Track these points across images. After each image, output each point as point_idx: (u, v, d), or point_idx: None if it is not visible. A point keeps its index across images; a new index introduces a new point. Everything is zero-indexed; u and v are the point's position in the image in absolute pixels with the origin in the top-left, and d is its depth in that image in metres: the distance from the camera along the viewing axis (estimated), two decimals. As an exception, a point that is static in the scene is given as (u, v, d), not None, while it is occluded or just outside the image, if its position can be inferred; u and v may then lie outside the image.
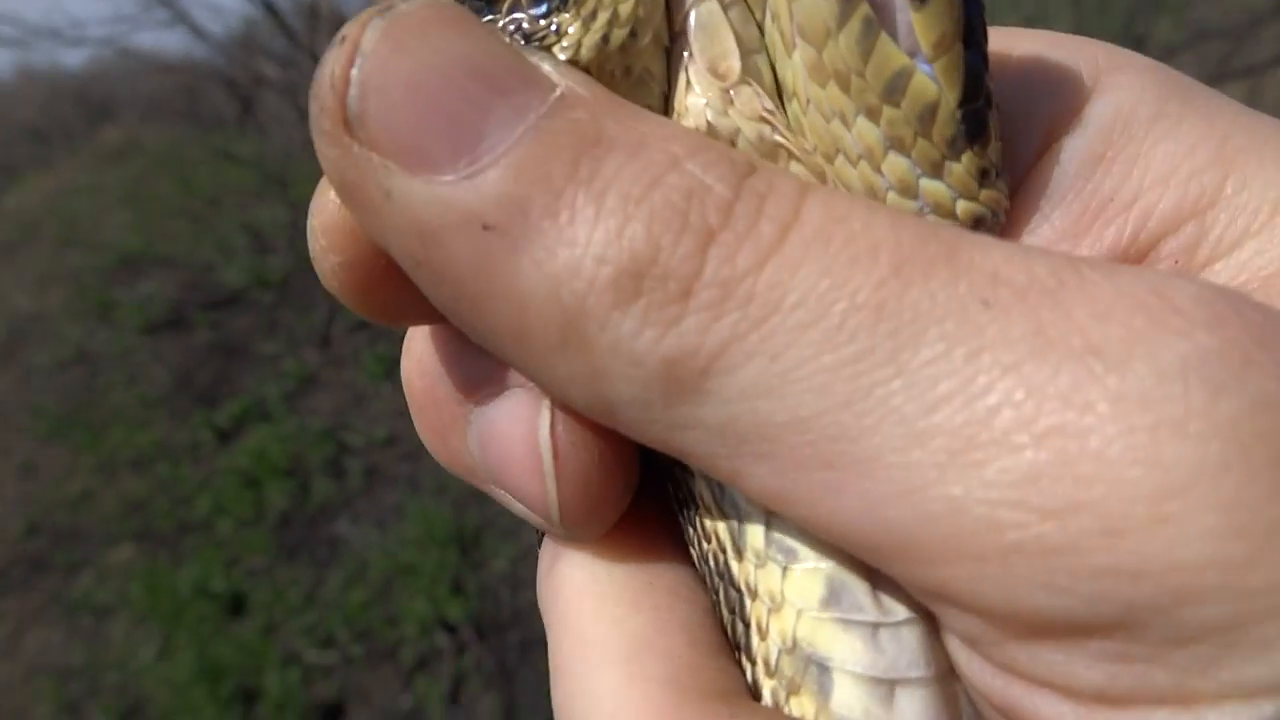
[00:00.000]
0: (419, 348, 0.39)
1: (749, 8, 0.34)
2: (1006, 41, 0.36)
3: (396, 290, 0.33)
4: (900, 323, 0.25)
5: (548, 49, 0.32)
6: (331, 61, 0.30)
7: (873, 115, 0.31)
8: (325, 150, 0.30)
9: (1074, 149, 0.34)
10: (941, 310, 0.25)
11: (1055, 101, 0.34)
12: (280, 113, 11.93)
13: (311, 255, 0.35)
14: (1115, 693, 0.25)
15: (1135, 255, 0.33)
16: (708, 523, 0.36)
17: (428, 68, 0.28)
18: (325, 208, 0.34)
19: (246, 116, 9.87)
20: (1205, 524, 0.23)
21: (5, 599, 6.72)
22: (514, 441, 0.35)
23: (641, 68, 0.34)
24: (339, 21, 7.00)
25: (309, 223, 0.35)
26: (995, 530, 0.24)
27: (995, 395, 0.25)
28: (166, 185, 11.27)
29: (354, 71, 0.29)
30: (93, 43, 6.61)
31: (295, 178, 11.28)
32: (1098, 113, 0.34)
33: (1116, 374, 0.24)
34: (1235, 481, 0.23)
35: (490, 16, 0.33)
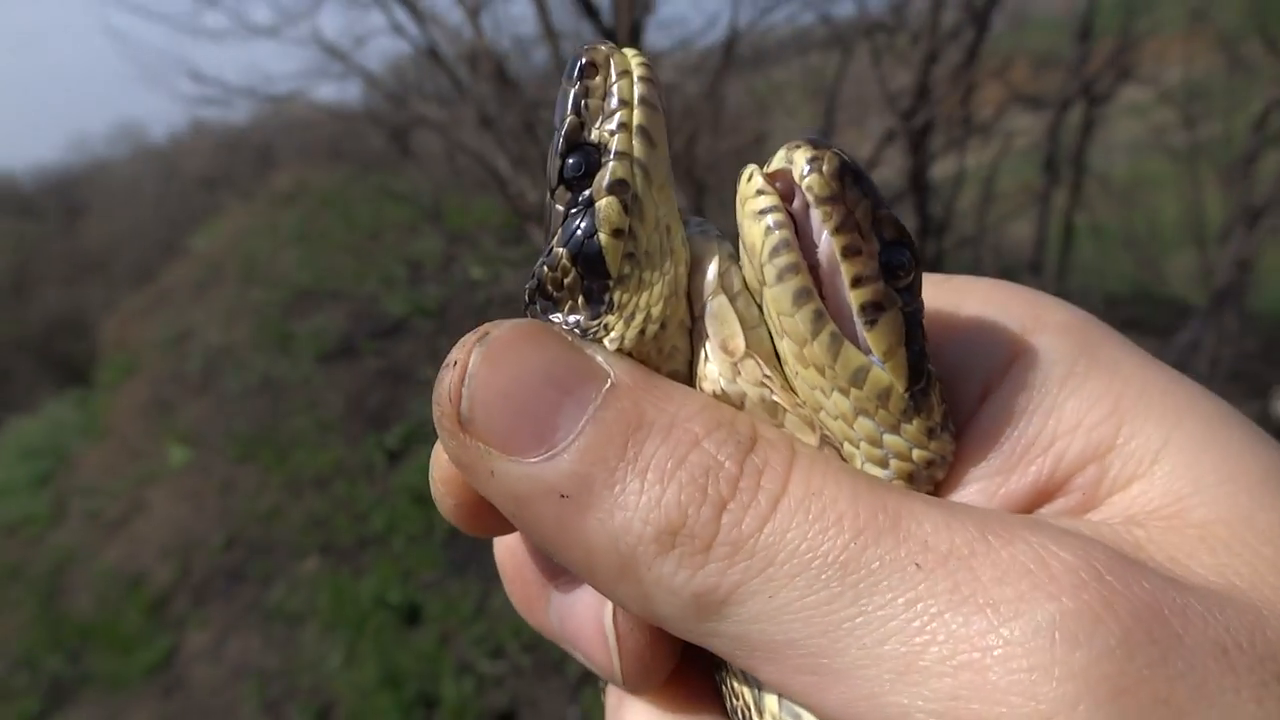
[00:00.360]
0: (511, 538, 0.51)
1: (750, 295, 0.44)
2: (954, 296, 0.47)
3: (494, 521, 0.45)
4: (859, 577, 0.36)
5: (599, 341, 0.44)
6: (447, 379, 0.41)
7: (844, 392, 0.42)
8: (446, 441, 0.42)
9: (1003, 402, 0.43)
10: (887, 570, 0.36)
11: (990, 359, 0.44)
12: (433, 149, 12.67)
13: (433, 496, 0.47)
14: None
15: (1053, 487, 0.42)
16: (736, 686, 0.46)
17: (513, 380, 0.41)
18: (443, 466, 0.46)
19: (403, 155, 10.51)
20: None
21: (209, 606, 7.38)
22: (585, 622, 0.47)
23: (671, 346, 0.45)
24: (494, 60, 7.38)
25: (430, 474, 0.47)
26: None
27: (926, 635, 0.35)
28: (332, 223, 12.15)
29: (463, 388, 0.41)
30: (277, 99, 7.25)
31: (447, 210, 11.94)
32: (1021, 371, 0.43)
33: (1007, 627, 0.34)
34: (1085, 712, 0.32)
35: (556, 317, 0.45)
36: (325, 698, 6.27)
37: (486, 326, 0.43)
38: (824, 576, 0.37)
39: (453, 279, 10.53)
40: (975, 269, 9.30)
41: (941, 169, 7.38)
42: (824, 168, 0.41)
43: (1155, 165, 13.07)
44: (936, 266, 8.32)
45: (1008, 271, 10.31)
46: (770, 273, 0.42)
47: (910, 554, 0.36)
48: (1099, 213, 9.82)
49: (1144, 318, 9.28)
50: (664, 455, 0.39)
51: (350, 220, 12.22)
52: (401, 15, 7.22)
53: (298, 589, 7.25)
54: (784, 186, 0.42)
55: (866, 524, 0.37)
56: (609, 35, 7.17)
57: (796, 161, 0.42)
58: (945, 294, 0.47)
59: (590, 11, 7.07)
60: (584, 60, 0.45)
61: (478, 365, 0.41)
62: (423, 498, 7.65)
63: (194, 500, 8.27)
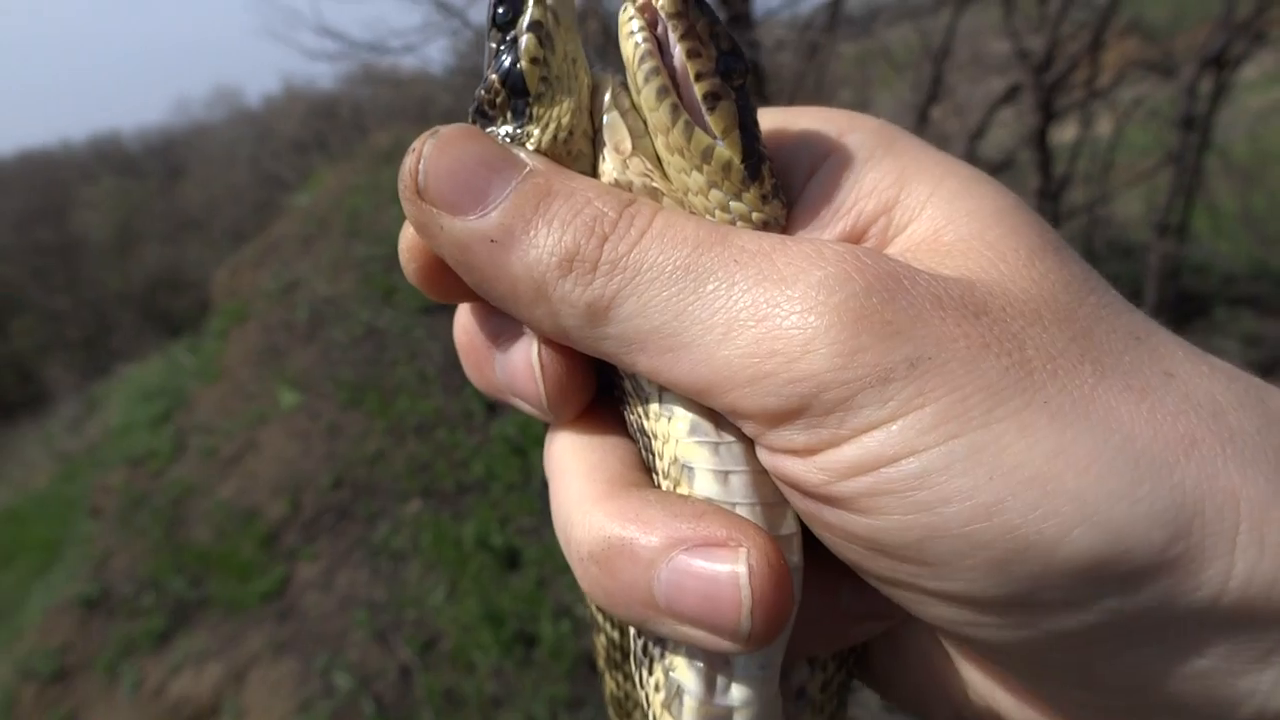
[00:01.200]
0: (463, 318, 0.65)
1: (637, 111, 0.57)
2: (791, 116, 0.62)
3: (448, 280, 0.59)
4: (696, 273, 0.50)
5: (522, 144, 0.58)
6: (409, 162, 0.55)
7: (699, 169, 0.56)
8: (407, 207, 0.56)
9: (821, 179, 0.58)
10: (716, 266, 0.50)
11: (813, 152, 0.59)
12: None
13: (401, 263, 0.61)
14: (815, 444, 0.48)
15: (856, 236, 0.56)
16: (631, 401, 0.60)
17: (457, 161, 0.54)
18: (407, 238, 0.60)
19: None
20: (825, 352, 0.46)
21: (319, 541, 7.74)
22: (519, 365, 0.61)
23: (578, 149, 0.58)
24: (601, 19, 7.41)
25: (399, 247, 0.61)
26: (745, 370, 0.48)
27: (739, 304, 0.48)
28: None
29: (420, 165, 0.55)
30: (395, 52, 7.44)
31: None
32: (835, 159, 0.57)
33: (790, 288, 0.47)
34: (836, 332, 0.46)
35: (491, 128, 0.59)
36: (430, 630, 6.53)
37: (438, 127, 0.56)
38: (673, 277, 0.50)
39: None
40: (1088, 240, 8.99)
41: (1055, 136, 7.15)
42: None
43: (1277, 140, 12.36)
44: (1054, 228, 8.05)
45: (1116, 244, 9.94)
46: (639, 77, 0.55)
47: (731, 255, 0.50)
48: (1216, 188, 9.38)
49: (1262, 296, 8.86)
50: (566, 210, 0.53)
51: (448, 180, 12.48)
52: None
53: (401, 529, 7.55)
54: (650, 15, 0.55)
55: (703, 240, 0.51)
56: (721, -8, 7.13)
57: None
58: (785, 116, 0.62)
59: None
60: None
61: (430, 150, 0.55)
62: (520, 448, 7.86)
63: (303, 441, 8.64)
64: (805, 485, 0.49)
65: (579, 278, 0.52)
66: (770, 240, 0.51)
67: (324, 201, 13.12)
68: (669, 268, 0.50)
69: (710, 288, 0.49)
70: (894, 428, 0.45)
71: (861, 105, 12.11)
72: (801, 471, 0.49)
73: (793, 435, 0.48)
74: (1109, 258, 9.48)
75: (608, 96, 0.58)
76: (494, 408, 8.46)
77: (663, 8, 0.55)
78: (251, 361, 9.90)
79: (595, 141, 0.59)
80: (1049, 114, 5.49)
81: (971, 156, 8.64)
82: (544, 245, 0.53)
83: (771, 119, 0.62)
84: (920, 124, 9.76)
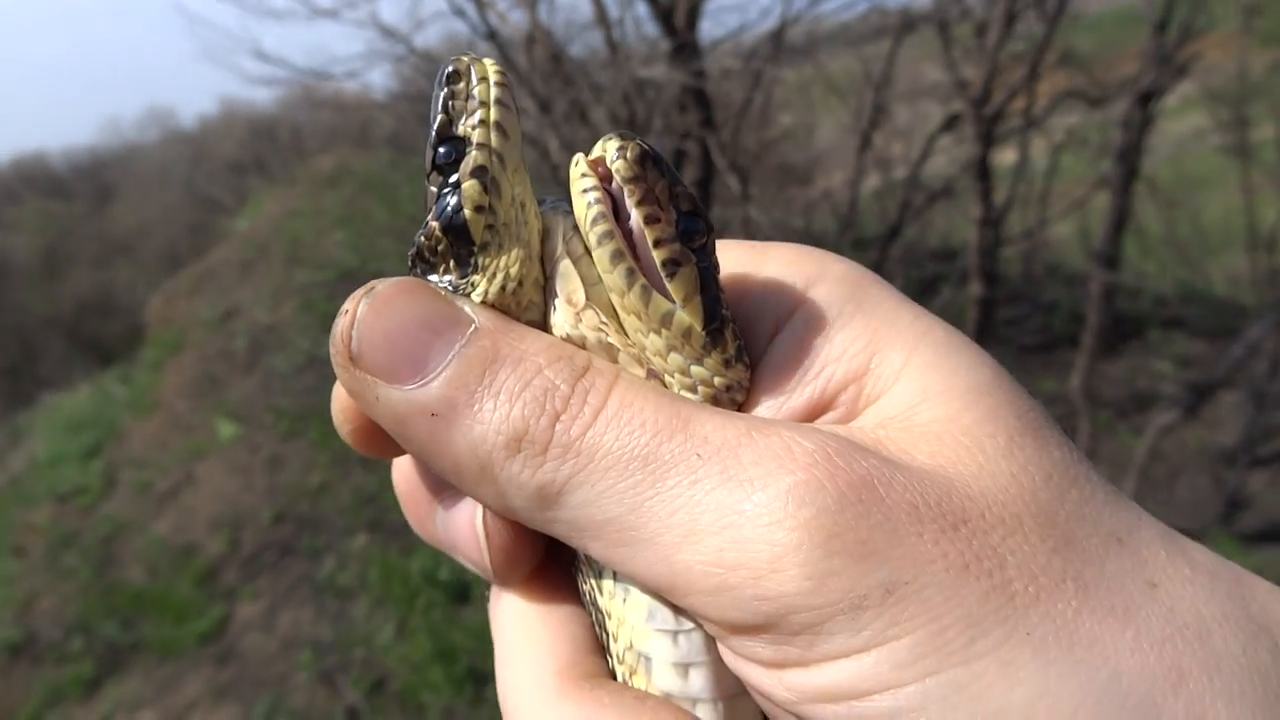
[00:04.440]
0: (404, 465, 0.62)
1: (591, 259, 0.53)
2: (758, 257, 0.58)
3: (387, 441, 0.55)
4: (656, 466, 0.46)
5: (467, 295, 0.53)
6: (340, 324, 0.51)
7: (657, 333, 0.53)
8: (340, 374, 0.53)
9: (787, 339, 0.54)
10: (677, 459, 0.46)
11: (779, 306, 0.55)
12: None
13: (335, 424, 0.58)
14: (781, 660, 0.45)
15: (824, 403, 0.53)
16: (585, 573, 0.57)
17: (393, 324, 0.50)
18: (340, 398, 0.56)
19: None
20: (794, 574, 0.43)
21: (260, 579, 7.47)
22: (462, 527, 0.58)
23: (528, 300, 0.54)
24: (550, 45, 7.41)
25: (332, 406, 0.57)
26: (707, 579, 0.45)
27: (702, 506, 0.45)
28: (374, 206, 12.24)
29: (352, 331, 0.51)
30: (338, 78, 7.32)
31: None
32: (802, 315, 0.54)
33: (758, 494, 0.44)
34: (806, 551, 0.43)
35: (433, 277, 0.54)
36: (379, 670, 6.34)
37: (373, 282, 0.53)
38: (631, 467, 0.47)
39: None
40: (1028, 264, 9.26)
41: (994, 157, 7.35)
42: (628, 154, 0.52)
43: (1197, 165, 12.93)
44: (993, 258, 8.34)
45: (1055, 270, 10.26)
46: (593, 239, 0.52)
47: (694, 447, 0.47)
48: (1142, 213, 9.75)
49: (1192, 318, 9.20)
50: (513, 381, 0.49)
51: (392, 203, 12.30)
52: (461, -2, 7.27)
53: (347, 564, 7.33)
54: (603, 170, 0.53)
55: (663, 426, 0.47)
56: (667, 17, 7.18)
57: (608, 150, 0.52)
58: (751, 256, 0.58)
59: (651, -4, 7.09)
60: (450, 69, 0.55)
61: (364, 313, 0.51)
62: (469, 478, 7.73)
63: (243, 475, 8.37)
64: (770, 696, 0.47)
65: (528, 459, 0.48)
66: (736, 429, 0.47)
67: (263, 226, 12.82)
68: (626, 456, 0.47)
69: (670, 483, 0.46)
70: (867, 659, 0.42)
71: (805, 129, 12.32)
72: (767, 684, 0.47)
73: (757, 648, 0.46)
74: (1049, 282, 9.77)
75: (559, 243, 0.55)
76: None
77: (618, 171, 0.52)
78: (188, 392, 9.58)
79: (547, 289, 0.55)
80: (989, 144, 5.63)
81: (915, 182, 8.84)
82: (490, 422, 0.49)
83: (737, 259, 0.58)
84: (863, 149, 9.97)
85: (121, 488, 8.64)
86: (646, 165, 0.52)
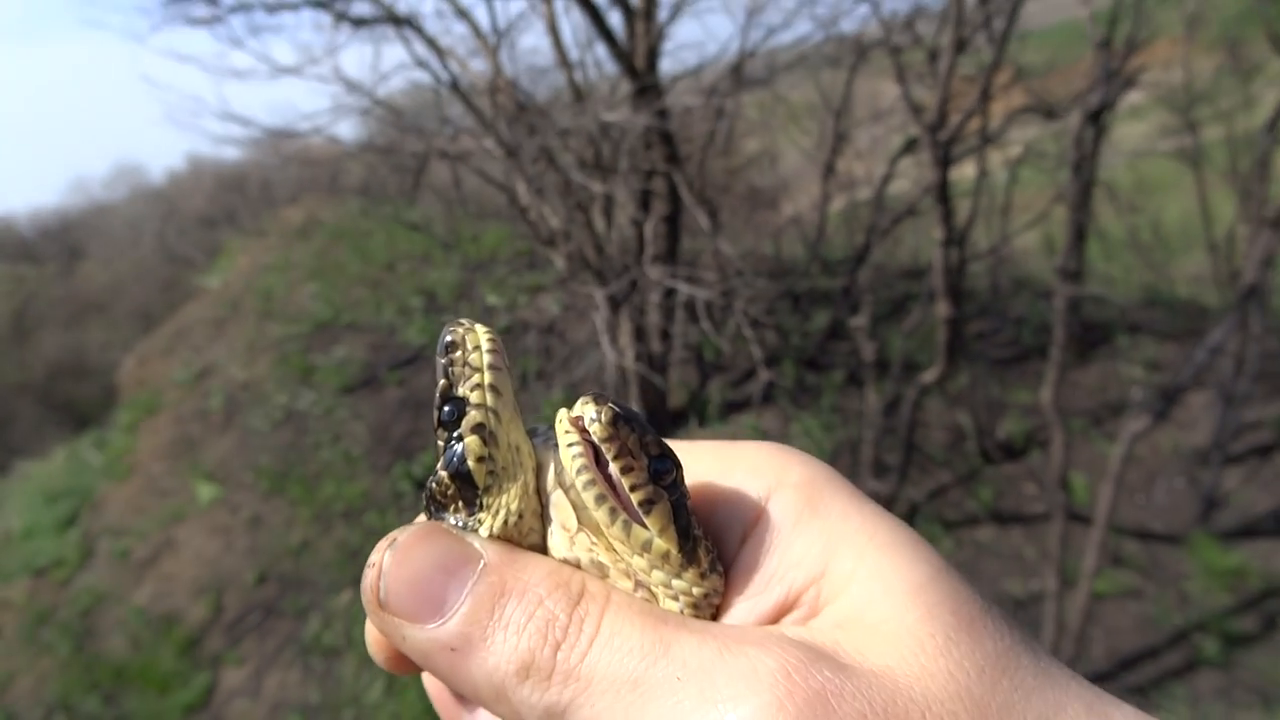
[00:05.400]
0: (433, 680, 0.69)
1: (579, 492, 0.61)
2: (723, 463, 0.66)
3: (415, 665, 0.63)
4: (644, 689, 0.53)
5: (475, 531, 0.62)
6: (370, 575, 0.59)
7: (640, 556, 0.61)
8: (372, 617, 0.60)
9: (753, 547, 0.62)
10: (660, 683, 0.53)
11: (745, 515, 0.63)
12: (438, 180, 12.76)
13: (369, 651, 0.66)
14: None
15: (789, 604, 0.59)
16: None
17: (415, 571, 0.58)
18: (373, 631, 0.64)
19: (416, 188, 10.60)
20: None
21: (245, 643, 7.34)
22: None
23: (529, 528, 0.62)
24: (515, 93, 7.47)
25: (365, 636, 0.66)
26: None
27: None
28: (346, 256, 12.21)
29: (380, 581, 0.59)
30: (304, 134, 7.33)
31: (461, 239, 12.01)
32: (765, 522, 0.62)
33: (729, 715, 0.50)
34: None
35: (444, 515, 0.63)
36: (370, 730, 6.23)
37: (395, 533, 0.60)
38: (623, 690, 0.53)
39: (473, 308, 10.57)
40: (994, 277, 9.37)
41: (954, 173, 7.46)
42: (602, 418, 0.61)
43: (1154, 169, 13.21)
44: (959, 276, 8.44)
45: (1021, 282, 10.40)
46: (578, 484, 0.60)
47: (675, 670, 0.53)
48: (1102, 214, 9.93)
49: (1155, 322, 9.35)
50: (519, 614, 0.57)
51: (364, 253, 12.28)
52: (422, 49, 7.33)
53: (333, 622, 7.23)
54: (583, 426, 0.62)
55: (648, 651, 0.54)
56: (627, 58, 7.28)
57: (585, 413, 0.61)
58: (720, 460, 0.66)
59: (608, 37, 7.19)
60: (448, 339, 0.64)
61: (389, 564, 0.59)
62: (454, 525, 7.65)
63: (224, 537, 8.25)
64: None
65: (535, 684, 0.55)
66: (710, 650, 0.54)
67: (235, 282, 12.75)
68: (619, 680, 0.54)
69: (657, 705, 0.53)
70: None
71: (768, 155, 12.48)
72: None
73: None
74: (1017, 295, 9.90)
75: (551, 476, 0.63)
76: (424, 485, 8.25)
77: (595, 433, 0.60)
78: (164, 455, 9.46)
79: (544, 516, 0.63)
80: (946, 167, 5.73)
81: (880, 204, 8.97)
82: (501, 653, 0.56)
83: (708, 466, 0.66)
84: (827, 175, 10.11)
85: (99, 557, 8.49)
86: (619, 425, 0.61)
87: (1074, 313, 7.13)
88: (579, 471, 0.60)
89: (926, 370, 6.73)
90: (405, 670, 0.65)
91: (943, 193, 5.70)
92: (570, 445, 0.61)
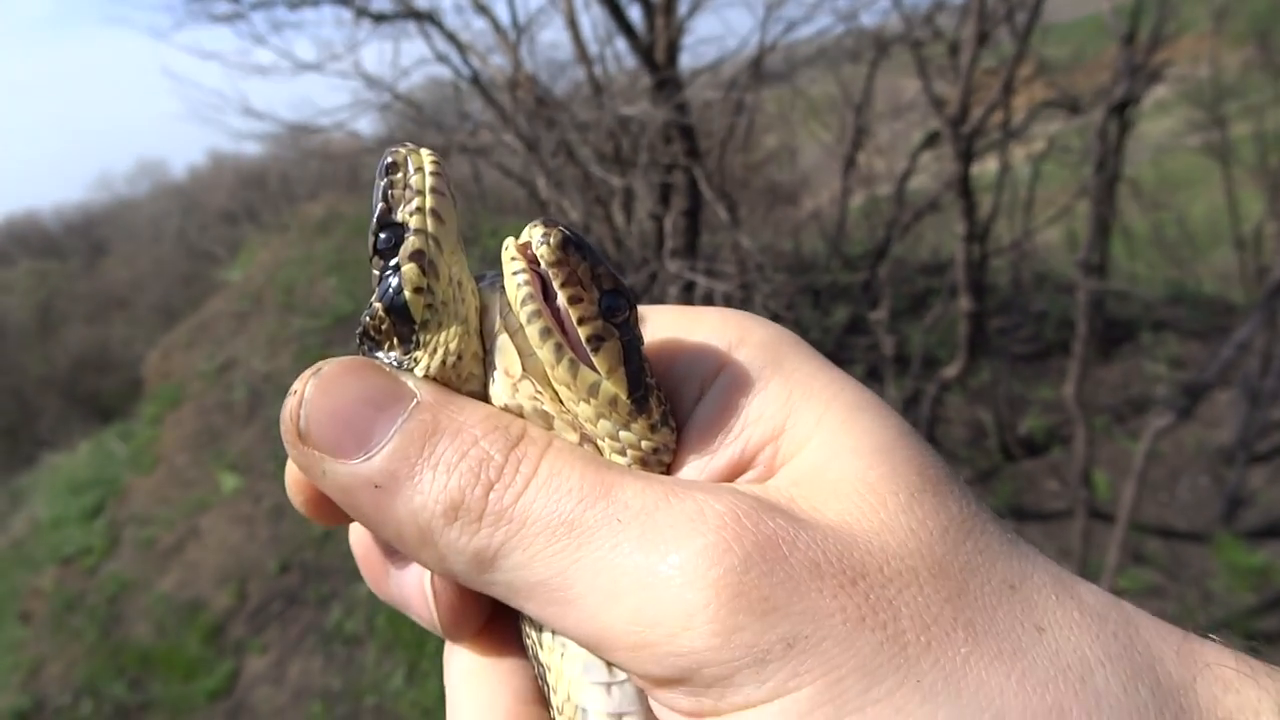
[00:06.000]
0: (359, 528, 0.65)
1: (526, 335, 0.56)
2: (687, 323, 0.62)
3: (335, 511, 0.59)
4: (581, 531, 0.50)
5: (410, 370, 0.57)
6: (289, 404, 0.55)
7: (586, 402, 0.56)
8: (289, 450, 0.56)
9: (709, 403, 0.58)
10: (599, 525, 0.50)
11: (703, 370, 0.59)
12: (458, 173, 12.80)
13: (288, 494, 0.61)
14: (699, 710, 0.48)
15: (744, 463, 0.56)
16: (527, 628, 0.61)
17: (339, 401, 0.54)
18: (292, 471, 0.60)
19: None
20: (704, 630, 0.46)
21: (268, 631, 7.44)
22: (413, 587, 0.62)
23: (468, 372, 0.58)
24: (535, 88, 7.50)
25: (285, 478, 0.61)
26: (629, 636, 0.48)
27: (623, 568, 0.49)
28: (365, 250, 12.21)
29: (300, 410, 0.54)
30: (324, 130, 7.41)
31: (481, 233, 12.05)
32: (724, 379, 0.58)
33: (672, 556, 0.48)
34: (714, 609, 0.46)
35: (379, 354, 0.58)
36: (391, 716, 6.30)
37: (320, 363, 0.56)
38: (558, 533, 0.50)
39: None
40: (1016, 273, 9.32)
41: (976, 167, 7.42)
42: (550, 240, 0.55)
43: (1180, 165, 13.06)
44: (981, 270, 8.40)
45: (1044, 277, 10.32)
46: (523, 317, 0.55)
47: (615, 512, 0.50)
48: (1127, 211, 9.83)
49: (1180, 319, 9.25)
50: (451, 452, 0.53)
51: (384, 247, 12.35)
52: (442, 44, 7.37)
53: (354, 611, 7.30)
54: (531, 254, 0.56)
55: (588, 493, 0.51)
56: (647, 52, 7.29)
57: (533, 236, 0.56)
58: (682, 321, 0.62)
59: (628, 31, 7.20)
60: (389, 160, 0.58)
61: (311, 392, 0.54)
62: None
63: (247, 526, 8.35)
64: None
65: (464, 527, 0.52)
66: (654, 494, 0.51)
67: (257, 276, 12.88)
68: (554, 522, 0.50)
69: (594, 547, 0.50)
70: (772, 709, 0.46)
71: (788, 150, 12.45)
72: None
73: (677, 699, 0.49)
74: (1039, 290, 9.83)
75: (496, 318, 0.58)
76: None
77: (542, 256, 0.55)
78: (188, 446, 9.58)
79: (486, 362, 0.59)
80: (969, 161, 5.71)
81: (901, 199, 8.94)
82: (429, 492, 0.52)
83: (667, 324, 0.62)
84: (848, 169, 10.08)
85: (125, 546, 8.62)
86: (569, 250, 0.55)
87: (1097, 309, 7.08)
88: (523, 302, 0.55)
89: (947, 365, 6.71)
90: (326, 518, 0.61)
91: (965, 187, 5.67)
92: (516, 274, 0.56)
